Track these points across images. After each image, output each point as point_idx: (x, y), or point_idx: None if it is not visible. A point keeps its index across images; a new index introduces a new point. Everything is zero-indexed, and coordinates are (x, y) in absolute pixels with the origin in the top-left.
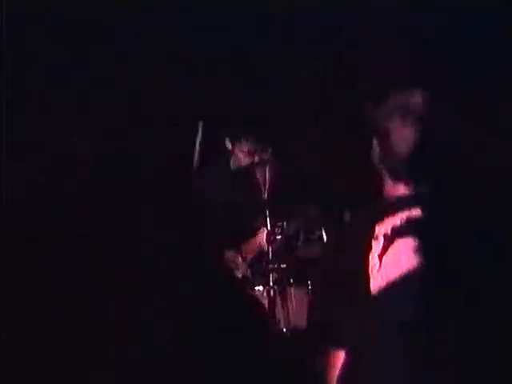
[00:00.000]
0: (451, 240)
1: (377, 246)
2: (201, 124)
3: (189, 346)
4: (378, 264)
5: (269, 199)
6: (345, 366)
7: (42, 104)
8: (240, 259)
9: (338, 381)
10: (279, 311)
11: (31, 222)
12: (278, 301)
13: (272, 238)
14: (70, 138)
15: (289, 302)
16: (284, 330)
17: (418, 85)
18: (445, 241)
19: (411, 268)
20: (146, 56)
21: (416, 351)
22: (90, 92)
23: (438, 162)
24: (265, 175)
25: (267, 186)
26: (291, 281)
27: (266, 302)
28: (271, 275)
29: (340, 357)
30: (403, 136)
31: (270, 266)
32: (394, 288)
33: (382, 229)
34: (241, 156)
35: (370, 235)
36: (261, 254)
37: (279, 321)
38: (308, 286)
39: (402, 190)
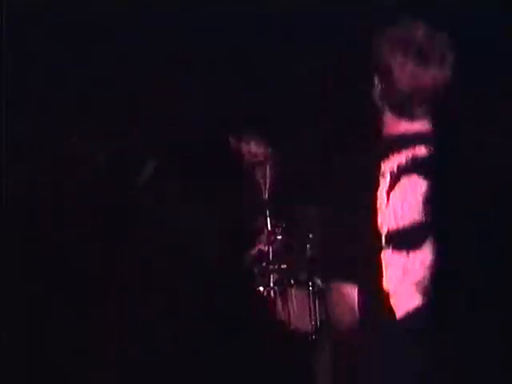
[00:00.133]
0: (456, 178)
1: (384, 182)
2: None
3: (192, 346)
4: (385, 200)
5: (269, 199)
6: (358, 301)
7: (41, 104)
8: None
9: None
10: (280, 312)
11: (31, 222)
12: (279, 302)
13: (272, 238)
14: (69, 137)
15: (289, 304)
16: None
17: None
18: (449, 179)
19: (418, 205)
20: (145, 56)
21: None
22: (90, 92)
23: (442, 99)
24: (265, 175)
25: (267, 186)
26: (292, 282)
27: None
28: (271, 276)
29: (350, 292)
30: (405, 71)
31: (271, 266)
32: (402, 224)
33: (388, 166)
34: (242, 156)
35: (377, 172)
36: (261, 255)
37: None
38: (309, 286)
39: (404, 127)
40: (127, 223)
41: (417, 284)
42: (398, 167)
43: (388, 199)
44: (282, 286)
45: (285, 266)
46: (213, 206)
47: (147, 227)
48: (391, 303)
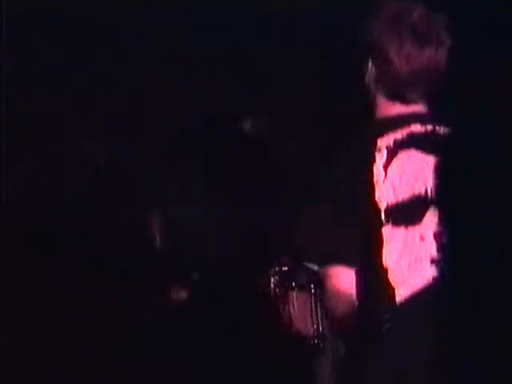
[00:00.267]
0: (456, 156)
1: (381, 157)
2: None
3: (192, 346)
4: (383, 174)
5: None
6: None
7: (42, 104)
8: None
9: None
10: (281, 315)
11: (31, 222)
12: (280, 304)
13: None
14: (70, 138)
15: (291, 306)
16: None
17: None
18: (449, 156)
19: (416, 178)
20: (146, 56)
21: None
22: (90, 92)
23: (438, 82)
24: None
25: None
26: (293, 284)
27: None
28: (272, 278)
29: (344, 274)
30: (401, 53)
31: (272, 268)
32: (401, 198)
33: (384, 141)
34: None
35: (373, 148)
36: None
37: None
38: (311, 289)
39: (399, 108)
40: (127, 223)
41: (417, 259)
42: (395, 142)
43: (386, 174)
44: (284, 289)
45: (286, 268)
46: (213, 206)
47: (144, 227)
48: (390, 280)
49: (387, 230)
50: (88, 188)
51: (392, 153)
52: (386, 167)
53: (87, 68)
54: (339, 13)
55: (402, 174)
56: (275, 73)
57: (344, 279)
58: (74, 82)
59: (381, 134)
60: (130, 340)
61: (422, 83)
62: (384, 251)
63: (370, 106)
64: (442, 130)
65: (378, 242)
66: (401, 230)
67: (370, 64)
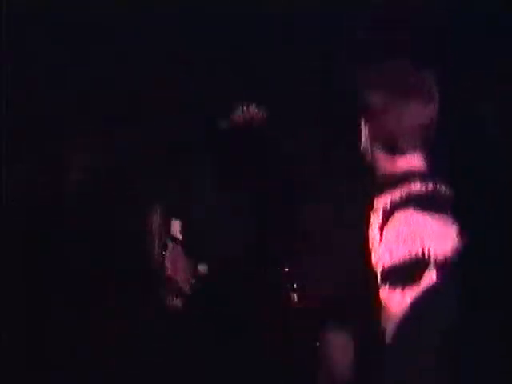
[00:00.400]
0: (454, 211)
1: (376, 218)
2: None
3: (192, 347)
4: (378, 236)
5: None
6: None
7: (41, 104)
8: None
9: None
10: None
11: (31, 222)
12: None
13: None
14: (69, 138)
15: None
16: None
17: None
18: (449, 214)
19: (413, 239)
20: (146, 56)
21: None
22: (90, 92)
23: (435, 136)
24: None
25: None
26: (294, 286)
27: None
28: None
29: (344, 344)
30: (395, 111)
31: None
32: (397, 260)
33: (381, 202)
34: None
35: (369, 209)
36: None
37: None
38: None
39: (396, 163)
40: (127, 223)
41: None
42: (391, 203)
43: (381, 236)
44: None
45: (287, 269)
46: (213, 206)
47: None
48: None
49: (385, 293)
50: (88, 188)
51: (388, 214)
52: (381, 229)
53: (87, 68)
54: (339, 13)
55: (399, 235)
56: (275, 73)
57: (342, 347)
58: (73, 82)
59: (378, 193)
60: (130, 340)
61: (416, 137)
62: (383, 314)
63: (371, 166)
64: (441, 187)
65: (377, 306)
66: (398, 292)
67: (363, 126)
